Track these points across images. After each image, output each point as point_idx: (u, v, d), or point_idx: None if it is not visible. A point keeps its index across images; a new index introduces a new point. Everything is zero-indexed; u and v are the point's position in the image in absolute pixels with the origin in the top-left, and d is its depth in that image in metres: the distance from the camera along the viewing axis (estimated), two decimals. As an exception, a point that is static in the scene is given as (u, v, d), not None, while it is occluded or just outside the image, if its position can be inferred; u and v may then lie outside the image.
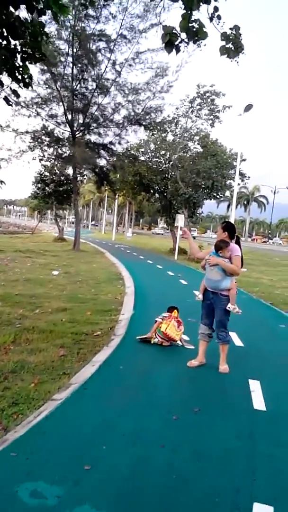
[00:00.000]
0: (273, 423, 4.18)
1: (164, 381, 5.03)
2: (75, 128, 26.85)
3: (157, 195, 35.43)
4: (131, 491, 2.94)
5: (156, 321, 6.81)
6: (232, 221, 24.20)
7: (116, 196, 47.29)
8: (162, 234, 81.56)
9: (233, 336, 7.55)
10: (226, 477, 3.19)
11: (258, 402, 4.65)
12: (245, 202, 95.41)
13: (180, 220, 27.43)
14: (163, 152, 31.13)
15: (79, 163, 24.84)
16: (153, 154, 31.84)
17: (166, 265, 21.62)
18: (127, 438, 3.60)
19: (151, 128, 27.53)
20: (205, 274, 5.69)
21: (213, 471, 3.25)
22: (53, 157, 30.25)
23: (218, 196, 29.33)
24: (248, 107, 20.24)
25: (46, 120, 26.49)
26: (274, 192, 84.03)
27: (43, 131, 26.77)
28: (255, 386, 5.16)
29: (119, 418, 3.96)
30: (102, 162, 29.90)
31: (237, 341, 7.30)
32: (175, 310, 7.04)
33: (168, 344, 6.66)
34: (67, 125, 26.79)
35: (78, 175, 31.93)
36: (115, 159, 29.11)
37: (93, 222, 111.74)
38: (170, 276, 17.13)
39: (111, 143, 27.25)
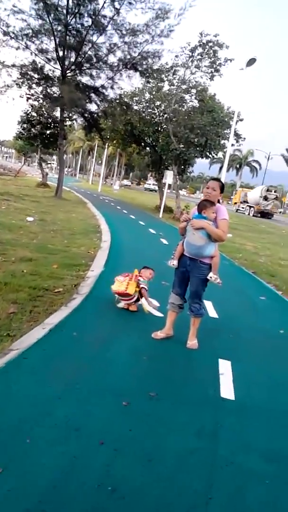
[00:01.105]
0: (241, 418, 3.54)
1: (121, 355, 4.33)
2: (66, 67, 25.07)
3: (148, 148, 33.96)
4: (53, 504, 2.27)
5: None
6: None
7: (106, 146, 45.58)
8: (155, 191, 79.05)
9: (208, 305, 6.89)
10: (177, 491, 2.54)
11: (227, 389, 4.01)
12: (238, 166, 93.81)
13: (169, 176, 26.38)
14: (158, 103, 29.49)
15: (66, 104, 23.26)
16: (147, 104, 30.19)
17: (149, 222, 20.78)
18: (60, 430, 2.90)
19: (147, 75, 25.85)
20: (183, 237, 4.88)
21: (162, 482, 2.59)
22: (42, 96, 28.51)
23: (210, 156, 28.08)
24: (251, 61, 18.85)
25: (36, 54, 24.65)
26: (268, 158, 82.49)
27: (32, 66, 24.95)
28: (225, 367, 4.51)
29: (57, 402, 3.25)
30: (92, 107, 28.33)
31: (211, 311, 6.64)
32: (136, 269, 6.33)
33: (135, 310, 5.97)
34: (58, 62, 24.98)
35: (66, 119, 30.36)
36: (106, 105, 27.52)
37: (81, 172, 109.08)
38: (151, 234, 16.34)
39: (103, 86, 25.59)
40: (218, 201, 4.85)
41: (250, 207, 47.05)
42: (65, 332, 4.64)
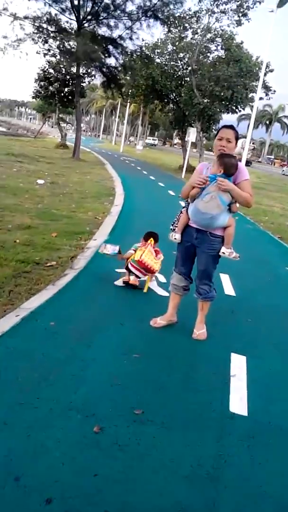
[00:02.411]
0: (255, 446, 2.65)
1: (105, 354, 3.46)
2: (82, 17, 23.40)
3: (171, 105, 32.21)
4: None
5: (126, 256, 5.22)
6: (248, 139, 21.70)
7: (127, 103, 43.77)
8: (155, 145, 75.76)
9: (225, 279, 5.94)
10: None
11: (238, 399, 3.11)
12: (267, 122, 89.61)
13: (192, 133, 24.87)
14: (181, 55, 27.60)
15: (80, 58, 21.78)
16: (169, 56, 28.30)
17: (169, 183, 19.60)
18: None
19: (169, 23, 23.94)
20: (191, 204, 3.82)
21: None
22: (59, 51, 26.95)
23: (237, 110, 26.28)
24: (283, 1, 16.94)
25: (50, 4, 23.02)
26: (300, 113, 78.55)
27: (46, 18, 23.37)
28: (238, 366, 3.61)
29: (1, 429, 2.42)
30: (111, 61, 26.66)
31: (228, 287, 5.70)
32: (152, 238, 5.35)
33: (136, 284, 5.07)
34: (73, 12, 23.32)
35: (85, 75, 28.85)
36: (126, 58, 25.81)
37: (105, 133, 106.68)
38: (169, 196, 15.25)
39: (121, 37, 23.85)
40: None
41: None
42: (41, 321, 3.78)
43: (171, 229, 4.05)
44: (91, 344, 3.52)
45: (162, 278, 5.61)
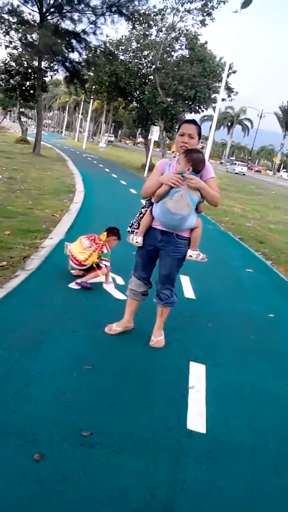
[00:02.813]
0: (214, 468, 2.42)
1: (52, 365, 3.15)
2: (44, 9, 22.78)
3: (135, 103, 31.93)
4: None
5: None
6: (210, 141, 21.73)
7: (91, 99, 43.22)
8: (112, 141, 74.90)
9: (185, 281, 5.74)
10: None
11: (196, 414, 2.88)
12: (229, 124, 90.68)
13: (155, 132, 24.71)
14: (145, 52, 27.36)
15: (41, 50, 21.17)
16: (134, 54, 28.00)
17: (131, 182, 19.34)
18: None
19: (133, 19, 23.66)
20: (156, 205, 3.49)
21: None
22: (21, 44, 26.16)
23: (200, 110, 26.30)
24: (247, 2, 17.02)
25: (10, -6, 22.26)
26: (260, 116, 79.88)
27: (7, 8, 22.61)
28: (197, 376, 3.38)
29: None
30: (75, 56, 26.16)
31: (188, 290, 5.49)
32: (105, 232, 5.18)
33: (80, 275, 5.02)
34: (36, 3, 22.65)
35: (48, 69, 28.16)
36: (89, 53, 25.33)
37: (68, 129, 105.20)
38: (131, 195, 15.00)
39: (84, 32, 23.41)
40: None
41: None
42: (-18, 330, 3.44)
43: (129, 231, 3.77)
44: (38, 355, 3.21)
45: (120, 280, 5.35)
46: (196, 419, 2.83)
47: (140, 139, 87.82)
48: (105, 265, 5.04)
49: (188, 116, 28.05)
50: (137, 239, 3.67)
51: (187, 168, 3.35)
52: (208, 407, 2.99)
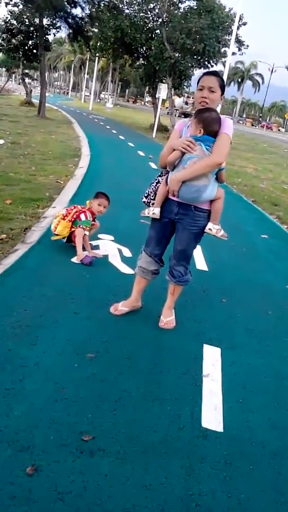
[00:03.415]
0: (232, 478, 2.13)
1: (51, 355, 2.85)
2: None
3: (141, 60, 30.56)
4: None
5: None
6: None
7: (96, 57, 41.66)
8: (113, 106, 71.56)
9: (196, 251, 5.34)
10: None
11: (212, 409, 2.58)
12: (239, 80, 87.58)
13: (163, 90, 23.71)
14: (151, 5, 25.88)
15: (41, 5, 20.07)
16: (139, 7, 26.51)
17: (139, 143, 18.69)
18: None
19: None
20: (171, 173, 3.12)
21: None
22: (21, 1, 24.97)
23: (209, 65, 25.02)
24: None
25: None
26: (272, 70, 76.87)
27: None
28: (211, 362, 3.07)
29: None
30: (77, 12, 24.92)
31: (200, 261, 5.13)
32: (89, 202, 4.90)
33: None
34: None
35: (50, 27, 26.98)
36: (92, 8, 24.05)
37: (74, 90, 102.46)
38: (139, 157, 14.43)
39: (86, -17, 22.09)
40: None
41: (176, 110, 64.27)
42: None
43: (145, 202, 3.39)
44: (35, 343, 2.90)
45: (127, 252, 5.00)
46: (212, 414, 2.53)
47: (148, 98, 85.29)
48: (82, 229, 4.57)
49: (197, 72, 26.79)
50: (153, 211, 3.28)
51: (198, 131, 2.92)
52: (224, 400, 2.68)
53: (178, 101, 60.81)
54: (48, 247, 4.75)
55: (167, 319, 3.48)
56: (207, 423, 2.46)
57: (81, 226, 4.53)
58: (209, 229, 3.21)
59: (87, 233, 4.60)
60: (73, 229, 4.60)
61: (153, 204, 3.31)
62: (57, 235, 4.71)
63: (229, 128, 2.98)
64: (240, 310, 4.03)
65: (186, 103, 54.71)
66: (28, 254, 4.45)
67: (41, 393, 2.44)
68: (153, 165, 12.54)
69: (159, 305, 3.58)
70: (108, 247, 5.03)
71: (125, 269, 4.49)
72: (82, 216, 4.60)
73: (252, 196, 10.55)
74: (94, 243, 5.03)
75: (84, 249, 4.57)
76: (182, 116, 55.66)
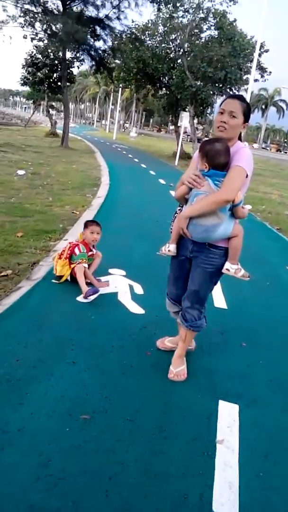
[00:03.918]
0: None
1: (40, 420, 2.47)
2: (66, -4, 22.08)
3: (164, 89, 30.87)
4: None
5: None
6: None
7: (119, 88, 42.42)
8: (136, 135, 71.18)
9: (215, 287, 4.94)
10: None
11: (227, 488, 2.15)
12: (263, 107, 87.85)
13: (185, 118, 23.74)
14: (173, 36, 26.25)
15: (63, 40, 20.51)
16: (161, 38, 26.92)
17: (161, 171, 18.55)
18: None
19: (158, 0, 22.60)
20: (182, 206, 2.90)
21: None
22: (46, 35, 25.73)
23: (231, 92, 24.99)
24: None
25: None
26: (296, 96, 76.76)
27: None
28: (228, 424, 2.63)
29: None
30: (100, 44, 25.48)
31: (218, 298, 4.72)
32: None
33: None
34: (57, -10, 22.01)
35: (74, 60, 27.71)
36: (114, 40, 24.53)
37: (100, 121, 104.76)
38: (159, 185, 14.21)
39: (107, 17, 22.53)
40: (240, 138, 2.75)
41: (188, 135, 58.70)
42: None
43: (169, 242, 3.10)
44: (23, 401, 2.54)
45: (138, 289, 4.64)
46: (226, 495, 2.10)
47: (172, 127, 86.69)
48: (79, 264, 4.33)
49: (219, 99, 26.80)
50: (169, 247, 3.00)
51: (204, 166, 2.60)
52: (241, 473, 2.24)
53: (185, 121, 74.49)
54: (53, 284, 4.43)
55: (177, 369, 3.08)
56: (219, 506, 2.03)
57: (77, 262, 4.29)
58: (227, 269, 2.86)
59: (86, 265, 4.34)
60: (72, 266, 4.35)
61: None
62: (59, 276, 4.45)
63: (243, 159, 2.60)
64: (262, 356, 3.59)
65: (197, 128, 59.83)
66: (31, 292, 4.13)
67: (21, 468, 2.07)
68: (173, 193, 12.28)
69: (171, 352, 3.19)
70: (119, 283, 4.68)
71: (135, 308, 4.12)
72: (76, 251, 4.45)
73: (277, 223, 10.10)
74: (103, 279, 4.70)
75: (90, 283, 4.28)
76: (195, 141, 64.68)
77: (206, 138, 3.30)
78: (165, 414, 2.64)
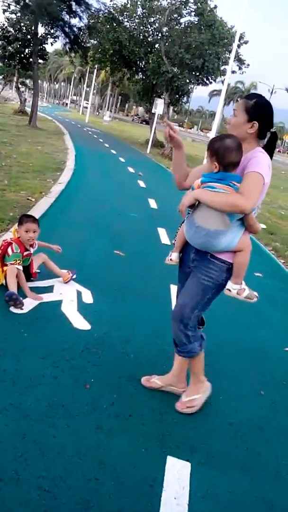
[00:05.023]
0: None
1: None
2: None
3: (140, 74, 29.97)
4: None
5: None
6: (218, 116, 20.06)
7: (94, 69, 41.17)
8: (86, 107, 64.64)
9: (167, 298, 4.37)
10: None
11: None
12: (238, 99, 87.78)
13: (159, 105, 23.03)
14: (152, 19, 25.34)
15: (35, 11, 19.37)
16: (139, 21, 25.95)
17: (131, 159, 17.85)
18: None
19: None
20: (186, 215, 2.49)
21: None
22: (19, 8, 24.39)
23: (208, 81, 24.43)
24: None
25: None
26: (271, 92, 76.90)
27: None
28: (175, 492, 2.07)
29: None
30: (75, 21, 24.30)
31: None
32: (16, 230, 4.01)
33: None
34: None
35: (47, 35, 26.43)
36: (90, 18, 23.49)
37: (74, 102, 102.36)
38: (127, 174, 13.55)
39: (84, -7, 21.48)
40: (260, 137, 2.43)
41: (139, 117, 69.33)
42: None
43: (173, 243, 2.72)
44: None
45: (87, 296, 4.00)
46: None
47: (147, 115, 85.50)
48: (11, 267, 3.65)
49: (198, 94, 26.24)
50: (171, 256, 2.69)
51: (214, 166, 2.22)
52: None
53: (141, 109, 67.91)
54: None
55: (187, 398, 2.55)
56: None
57: (10, 263, 3.61)
58: (228, 289, 2.43)
59: (20, 268, 3.66)
60: (5, 268, 3.65)
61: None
62: None
63: (259, 165, 2.25)
64: (223, 389, 3.04)
65: (147, 111, 60.35)
66: None
67: None
68: (141, 184, 11.65)
69: (115, 386, 2.60)
70: (65, 289, 4.03)
71: (80, 322, 3.49)
72: (9, 251, 3.71)
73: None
74: (47, 283, 4.04)
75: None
76: (144, 123, 59.98)
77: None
78: (96, 482, 2.05)
